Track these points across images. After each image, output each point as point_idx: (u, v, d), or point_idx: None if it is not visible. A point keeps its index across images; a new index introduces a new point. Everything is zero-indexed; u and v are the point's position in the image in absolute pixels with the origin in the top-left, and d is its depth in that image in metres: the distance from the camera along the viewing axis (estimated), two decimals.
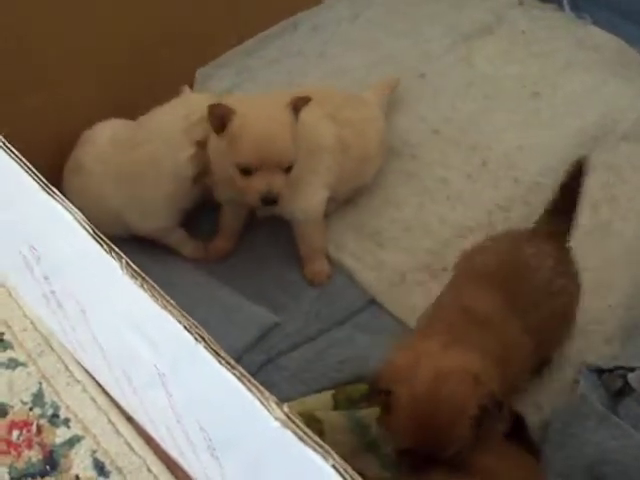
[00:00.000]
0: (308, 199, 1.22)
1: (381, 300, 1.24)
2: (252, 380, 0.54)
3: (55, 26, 1.25)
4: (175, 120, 1.21)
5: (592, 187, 1.31)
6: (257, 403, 0.53)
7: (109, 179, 1.25)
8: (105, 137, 1.28)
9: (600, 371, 1.10)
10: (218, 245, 1.31)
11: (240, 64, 1.54)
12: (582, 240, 1.25)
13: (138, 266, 1.19)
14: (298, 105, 1.14)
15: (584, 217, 1.29)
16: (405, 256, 1.28)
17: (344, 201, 1.34)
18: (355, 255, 1.29)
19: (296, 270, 1.28)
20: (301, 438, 0.51)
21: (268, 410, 0.52)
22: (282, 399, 0.54)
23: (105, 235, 0.63)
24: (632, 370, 1.07)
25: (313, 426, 1.02)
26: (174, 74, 1.45)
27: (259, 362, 1.16)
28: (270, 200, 1.13)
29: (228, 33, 1.53)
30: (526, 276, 1.03)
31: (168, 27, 1.40)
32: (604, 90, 1.47)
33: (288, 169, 1.13)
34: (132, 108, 1.32)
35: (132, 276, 0.61)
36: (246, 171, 1.12)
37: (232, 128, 1.11)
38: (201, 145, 1.19)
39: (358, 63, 1.53)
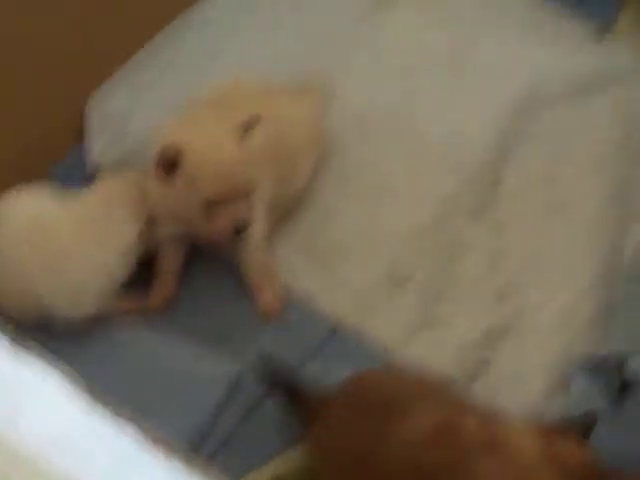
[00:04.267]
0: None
1: (346, 325, 1.16)
2: None
3: None
4: (116, 200, 1.15)
5: (538, 160, 1.28)
6: None
7: (33, 264, 1.11)
8: (27, 215, 1.14)
9: (592, 363, 1.05)
10: (159, 293, 1.21)
11: (134, 79, 1.39)
12: (540, 221, 1.22)
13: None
14: (247, 128, 1.10)
15: (537, 195, 1.25)
16: (361, 271, 1.19)
17: (280, 217, 1.24)
18: (308, 279, 1.20)
19: (248, 308, 1.19)
20: None
21: None
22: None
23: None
24: (626, 357, 1.02)
25: None
26: (65, 106, 1.33)
27: (236, 418, 1.09)
28: (243, 228, 1.10)
29: (114, 51, 1.40)
30: None
31: (49, 59, 1.27)
32: (524, 55, 1.39)
33: (249, 194, 1.11)
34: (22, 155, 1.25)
35: None
36: (211, 206, 1.08)
37: (187, 168, 1.07)
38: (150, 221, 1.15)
39: (261, 55, 1.40)
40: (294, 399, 1.02)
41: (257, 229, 1.16)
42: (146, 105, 1.37)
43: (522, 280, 1.19)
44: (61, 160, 1.35)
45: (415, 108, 1.33)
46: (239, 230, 1.10)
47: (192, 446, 1.04)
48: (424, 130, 1.30)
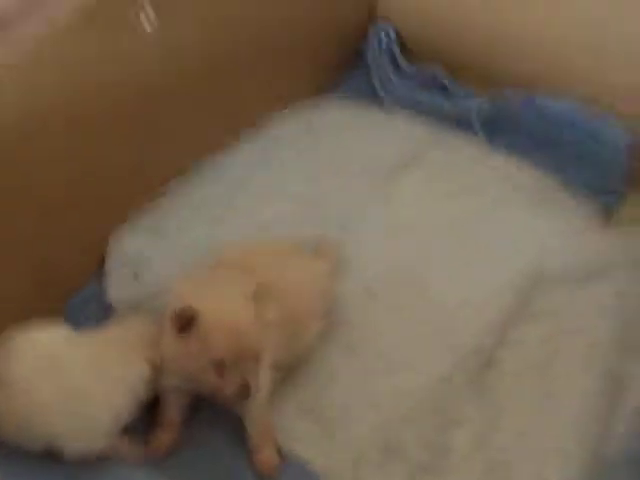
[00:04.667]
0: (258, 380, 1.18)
1: None
2: None
3: None
4: (129, 341, 1.20)
5: (534, 342, 1.32)
6: None
7: (44, 399, 1.13)
8: (40, 350, 1.17)
9: None
10: (161, 438, 1.23)
11: (152, 223, 1.45)
12: (532, 404, 1.25)
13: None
14: (260, 296, 1.15)
15: (531, 377, 1.28)
16: (356, 439, 1.22)
17: (282, 378, 1.27)
18: (305, 443, 1.23)
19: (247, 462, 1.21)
20: None
21: None
22: None
23: None
24: None
25: None
26: (86, 242, 1.38)
27: None
28: (247, 393, 1.13)
29: (137, 192, 1.45)
30: None
31: (74, 195, 1.32)
32: (532, 233, 1.45)
33: (257, 358, 1.14)
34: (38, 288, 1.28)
35: None
36: (219, 366, 1.11)
37: (201, 327, 1.11)
38: (156, 366, 1.18)
39: (274, 215, 1.46)
40: None
41: (261, 389, 1.19)
42: (163, 251, 1.42)
43: (511, 458, 1.21)
44: (79, 295, 1.38)
45: (421, 282, 1.38)
46: (242, 394, 1.12)
47: None
48: (428, 306, 1.35)
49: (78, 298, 1.38)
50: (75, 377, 1.15)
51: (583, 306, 1.36)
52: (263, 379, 1.19)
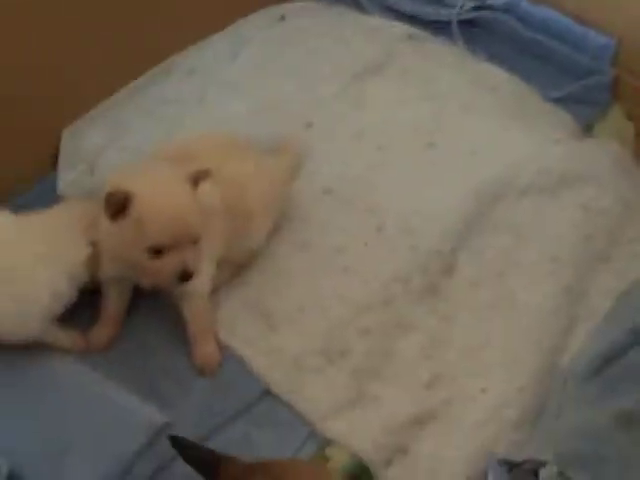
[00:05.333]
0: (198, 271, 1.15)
1: (277, 391, 1.16)
2: None
3: None
4: (69, 223, 1.17)
5: (495, 252, 1.28)
6: None
7: None
8: None
9: (509, 464, 1.04)
10: (101, 332, 1.22)
11: (112, 118, 1.42)
12: (487, 314, 1.22)
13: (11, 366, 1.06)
14: (198, 179, 1.12)
15: (488, 287, 1.25)
16: (300, 340, 1.20)
17: (231, 274, 1.26)
18: (247, 339, 1.20)
19: (184, 358, 1.19)
20: None
21: None
22: None
23: None
24: (543, 465, 1.02)
25: None
26: (36, 136, 1.35)
27: (151, 470, 1.08)
28: (187, 276, 1.11)
29: (95, 85, 1.42)
30: None
31: (26, 82, 1.29)
32: (502, 140, 1.39)
33: (196, 242, 1.11)
34: None
35: None
36: (157, 252, 1.09)
37: (135, 212, 1.08)
38: (95, 246, 1.16)
39: (240, 110, 1.42)
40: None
41: (202, 280, 1.17)
42: (119, 145, 1.39)
43: (457, 371, 1.19)
44: (29, 191, 1.36)
45: (381, 184, 1.34)
46: (182, 277, 1.10)
47: None
48: (387, 207, 1.31)
49: (29, 196, 1.36)
50: (12, 257, 1.14)
51: (547, 219, 1.31)
52: (206, 269, 1.17)
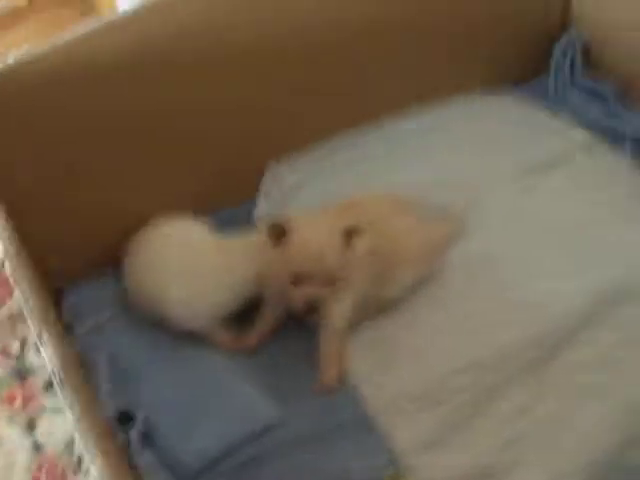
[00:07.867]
0: (339, 306, 1.35)
1: (377, 422, 1.31)
2: None
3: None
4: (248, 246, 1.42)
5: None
6: None
7: (171, 274, 1.40)
8: (177, 236, 1.45)
9: None
10: (251, 341, 1.44)
11: (311, 165, 1.64)
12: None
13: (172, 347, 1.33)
14: (351, 233, 1.31)
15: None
16: (407, 382, 1.34)
17: (365, 317, 1.42)
18: (362, 372, 1.36)
19: (309, 382, 1.38)
20: None
21: None
22: None
23: None
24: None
25: None
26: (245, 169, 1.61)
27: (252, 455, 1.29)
28: (311, 309, 1.30)
29: (311, 125, 1.63)
30: None
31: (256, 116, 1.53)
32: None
33: (332, 283, 1.30)
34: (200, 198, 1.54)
35: None
36: (297, 280, 1.30)
37: (289, 242, 1.30)
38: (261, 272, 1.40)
39: (417, 179, 1.58)
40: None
41: (339, 316, 1.36)
42: (313, 189, 1.61)
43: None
44: (235, 207, 1.62)
45: (523, 263, 1.45)
46: (307, 308, 1.29)
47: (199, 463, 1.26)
48: (521, 285, 1.42)
49: (233, 211, 1.62)
50: (205, 263, 1.41)
51: None
52: (343, 307, 1.36)
